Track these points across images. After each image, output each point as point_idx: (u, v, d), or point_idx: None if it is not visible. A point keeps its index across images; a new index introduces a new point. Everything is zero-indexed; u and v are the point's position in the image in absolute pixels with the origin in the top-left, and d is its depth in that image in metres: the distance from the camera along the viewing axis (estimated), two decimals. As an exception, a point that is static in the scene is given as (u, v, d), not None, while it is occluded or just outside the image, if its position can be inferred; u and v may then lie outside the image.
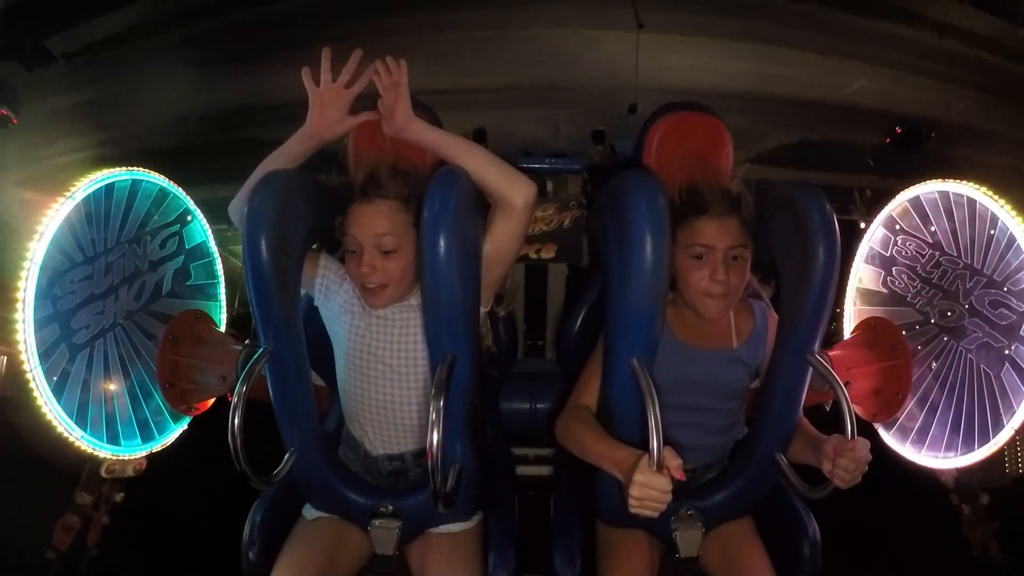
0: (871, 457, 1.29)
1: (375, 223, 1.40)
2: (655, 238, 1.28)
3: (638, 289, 1.32)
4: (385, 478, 1.56)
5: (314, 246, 1.52)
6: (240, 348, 1.77)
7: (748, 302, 1.57)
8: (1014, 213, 1.50)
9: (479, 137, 2.24)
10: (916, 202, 1.75)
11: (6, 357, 1.80)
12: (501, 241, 1.40)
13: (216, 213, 1.81)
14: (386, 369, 1.47)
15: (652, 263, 1.29)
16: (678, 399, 1.45)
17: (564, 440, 1.49)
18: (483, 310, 1.48)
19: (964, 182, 1.61)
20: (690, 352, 1.49)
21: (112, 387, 1.68)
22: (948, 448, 1.65)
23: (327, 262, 1.52)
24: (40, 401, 1.48)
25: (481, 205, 1.40)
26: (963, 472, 1.76)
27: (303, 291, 1.50)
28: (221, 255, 2.00)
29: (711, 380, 1.50)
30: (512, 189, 1.36)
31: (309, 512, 1.58)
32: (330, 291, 1.51)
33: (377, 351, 1.47)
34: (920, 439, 1.71)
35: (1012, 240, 1.50)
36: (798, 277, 1.36)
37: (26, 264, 1.44)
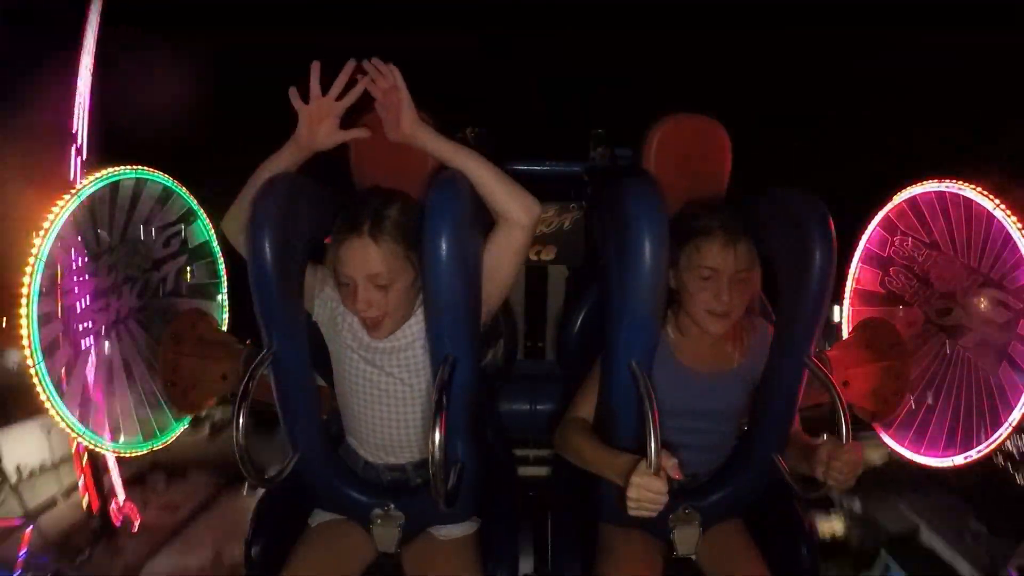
0: (863, 459, 1.30)
1: (368, 263, 1.35)
2: (654, 242, 1.29)
3: (637, 292, 1.32)
4: (386, 484, 1.57)
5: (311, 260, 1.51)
6: (242, 347, 1.78)
7: (752, 319, 1.57)
8: (1009, 212, 1.51)
9: (481, 138, 2.24)
10: (913, 202, 1.76)
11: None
12: (502, 254, 1.39)
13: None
14: (382, 395, 1.47)
15: (651, 267, 1.30)
16: (679, 423, 1.46)
17: (563, 452, 1.50)
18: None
19: (960, 182, 1.63)
20: (692, 377, 1.50)
21: (114, 384, 1.69)
22: (947, 446, 1.66)
23: (325, 276, 1.51)
24: (43, 397, 1.49)
25: (483, 212, 1.40)
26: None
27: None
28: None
29: (712, 403, 1.51)
30: (515, 206, 1.34)
31: (313, 519, 1.59)
32: (328, 308, 1.50)
33: (376, 379, 1.46)
34: (919, 438, 1.72)
35: (1008, 239, 1.52)
36: (795, 281, 1.38)
37: (31, 260, 1.45)
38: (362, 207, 1.37)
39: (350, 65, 1.34)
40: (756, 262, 1.44)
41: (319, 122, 1.37)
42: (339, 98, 1.37)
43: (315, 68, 1.34)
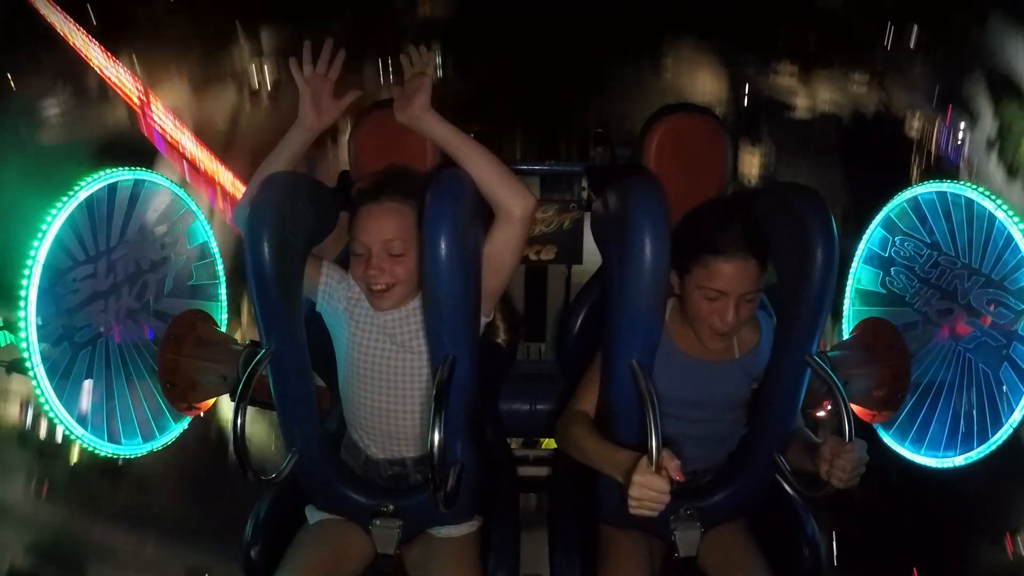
0: (868, 458, 1.30)
1: (383, 227, 1.40)
2: (655, 240, 1.29)
3: (638, 291, 1.32)
4: (386, 481, 1.57)
5: (313, 252, 1.53)
6: (241, 348, 1.78)
7: (755, 314, 1.56)
8: (1011, 213, 1.51)
9: (482, 137, 2.25)
10: (914, 203, 1.76)
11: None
12: (497, 249, 1.40)
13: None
14: (387, 377, 1.48)
15: (652, 265, 1.29)
16: (680, 411, 1.46)
17: (564, 446, 1.51)
18: (484, 320, 1.49)
19: (962, 183, 1.62)
20: (692, 364, 1.49)
21: (113, 386, 1.68)
22: (947, 448, 1.66)
23: (329, 268, 1.53)
24: (41, 400, 1.49)
25: (482, 209, 1.40)
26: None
27: (305, 297, 1.50)
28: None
29: (713, 392, 1.51)
30: (511, 198, 1.36)
31: (312, 515, 1.59)
32: (333, 298, 1.51)
33: (378, 359, 1.48)
34: (919, 439, 1.72)
35: (1010, 239, 1.52)
36: (797, 279, 1.37)
37: (29, 262, 1.44)
38: (380, 177, 1.45)
39: (329, 41, 1.46)
40: (763, 279, 1.41)
41: (318, 95, 1.45)
42: (327, 73, 1.47)
43: (307, 47, 1.44)
